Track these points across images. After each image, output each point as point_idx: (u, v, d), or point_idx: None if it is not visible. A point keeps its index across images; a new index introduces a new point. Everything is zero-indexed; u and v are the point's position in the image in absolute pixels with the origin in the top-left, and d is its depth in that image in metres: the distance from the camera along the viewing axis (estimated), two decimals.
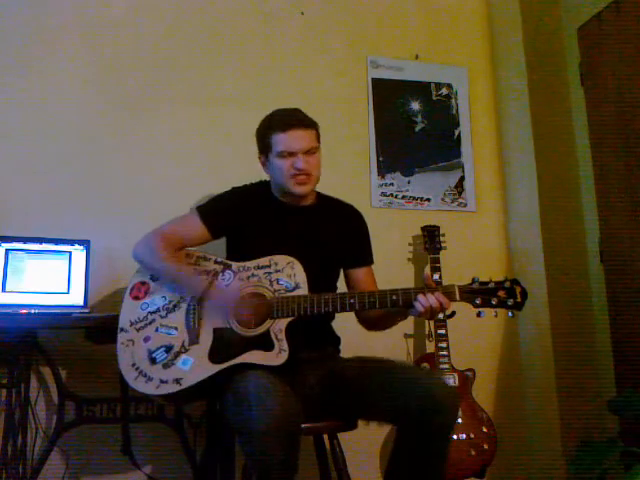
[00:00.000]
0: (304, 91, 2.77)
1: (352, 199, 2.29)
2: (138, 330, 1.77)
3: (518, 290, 1.71)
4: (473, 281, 1.73)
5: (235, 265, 1.84)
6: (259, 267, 1.81)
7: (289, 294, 1.76)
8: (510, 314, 1.72)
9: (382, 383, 1.69)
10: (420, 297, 1.68)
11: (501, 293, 1.70)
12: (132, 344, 1.75)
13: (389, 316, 1.88)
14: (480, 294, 1.70)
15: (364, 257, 2.04)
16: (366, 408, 1.75)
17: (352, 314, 1.98)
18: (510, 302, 1.70)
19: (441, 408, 1.59)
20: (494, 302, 1.70)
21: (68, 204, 2.44)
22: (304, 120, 1.90)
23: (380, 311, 1.87)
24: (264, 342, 1.70)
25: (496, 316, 1.71)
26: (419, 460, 1.63)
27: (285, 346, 1.68)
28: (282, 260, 1.81)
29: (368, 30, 2.96)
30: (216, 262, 1.86)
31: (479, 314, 1.70)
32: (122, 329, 1.78)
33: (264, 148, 1.93)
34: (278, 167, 1.88)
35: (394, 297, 1.71)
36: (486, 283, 1.72)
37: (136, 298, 1.83)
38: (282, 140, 1.86)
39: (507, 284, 1.71)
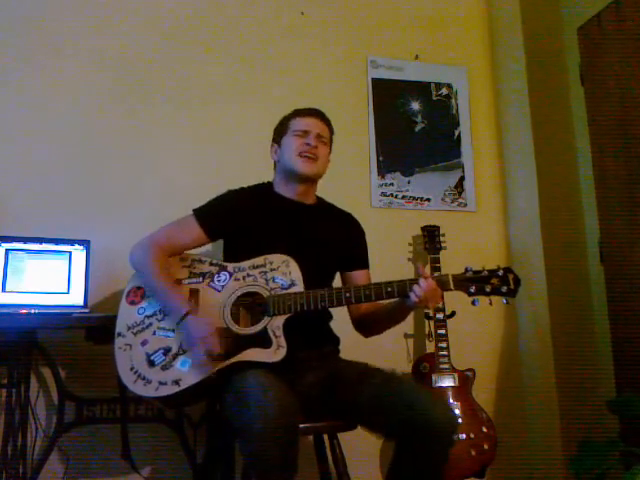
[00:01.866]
0: (304, 91, 2.78)
1: (352, 199, 2.30)
2: (135, 334, 1.77)
3: (511, 277, 1.73)
4: (466, 270, 1.75)
5: (231, 266, 1.84)
6: (254, 267, 1.82)
7: (285, 292, 1.76)
8: (504, 301, 1.74)
9: (382, 401, 1.68)
10: (414, 286, 1.70)
11: (494, 280, 1.72)
12: (130, 348, 1.75)
13: (385, 314, 1.88)
14: (474, 282, 1.72)
15: (361, 261, 2.05)
16: (363, 421, 1.75)
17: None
18: (504, 289, 1.72)
19: (438, 433, 1.59)
20: (488, 289, 1.72)
21: (68, 204, 2.44)
22: (324, 115, 2.03)
23: (376, 310, 1.88)
24: (262, 340, 1.70)
25: (491, 304, 1.72)
26: (417, 476, 1.64)
27: (283, 342, 1.68)
28: (277, 258, 1.81)
29: (368, 30, 2.96)
30: (211, 264, 1.86)
31: (474, 302, 1.72)
32: (119, 334, 1.78)
33: (280, 132, 2.01)
34: (289, 144, 1.95)
35: (389, 289, 1.73)
36: (479, 271, 1.74)
37: (132, 303, 1.82)
38: (300, 121, 1.98)
39: (500, 272, 1.73)
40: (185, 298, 1.78)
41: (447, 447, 1.62)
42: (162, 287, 1.80)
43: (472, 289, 1.72)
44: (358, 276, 2.01)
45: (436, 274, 2.57)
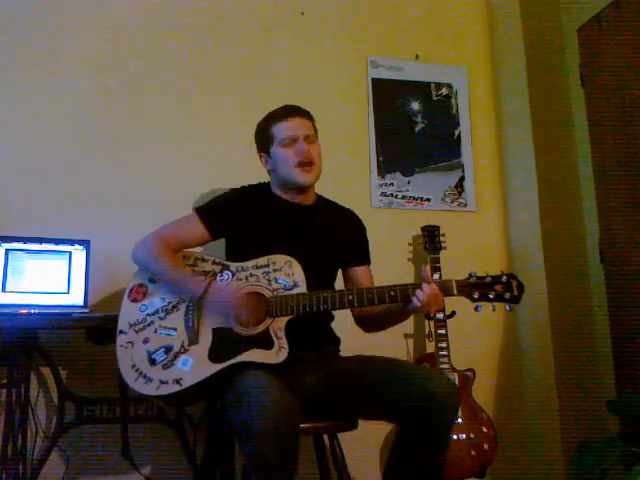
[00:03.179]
0: (304, 91, 2.77)
1: (352, 199, 2.30)
2: (137, 332, 1.77)
3: (515, 284, 1.73)
4: (470, 276, 1.74)
5: (233, 265, 1.84)
6: (257, 267, 1.82)
7: (287, 293, 1.76)
8: (508, 308, 1.74)
9: (383, 380, 1.69)
10: (417, 291, 1.70)
11: (498, 287, 1.72)
12: (131, 346, 1.75)
13: (387, 315, 1.88)
14: (477, 288, 1.72)
15: (362, 256, 2.05)
16: (366, 406, 1.75)
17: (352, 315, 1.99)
18: (507, 296, 1.72)
19: (442, 406, 1.59)
20: (491, 296, 1.72)
21: (68, 204, 2.43)
22: (302, 110, 1.97)
23: (378, 310, 1.88)
24: (264, 340, 1.70)
25: (494, 310, 1.72)
26: (418, 457, 1.64)
27: (285, 344, 1.68)
28: (280, 259, 1.81)
29: (368, 30, 2.96)
30: (214, 263, 1.86)
31: (477, 308, 1.72)
32: (121, 331, 1.78)
33: (265, 142, 1.96)
34: (282, 157, 1.91)
35: (392, 293, 1.73)
36: (483, 277, 1.74)
37: (134, 301, 1.83)
38: (283, 127, 1.92)
39: (504, 278, 1.73)
40: (199, 277, 1.79)
41: (449, 420, 1.63)
42: (172, 271, 1.82)
43: (475, 295, 1.72)
44: (359, 272, 2.01)
45: (436, 275, 2.59)
